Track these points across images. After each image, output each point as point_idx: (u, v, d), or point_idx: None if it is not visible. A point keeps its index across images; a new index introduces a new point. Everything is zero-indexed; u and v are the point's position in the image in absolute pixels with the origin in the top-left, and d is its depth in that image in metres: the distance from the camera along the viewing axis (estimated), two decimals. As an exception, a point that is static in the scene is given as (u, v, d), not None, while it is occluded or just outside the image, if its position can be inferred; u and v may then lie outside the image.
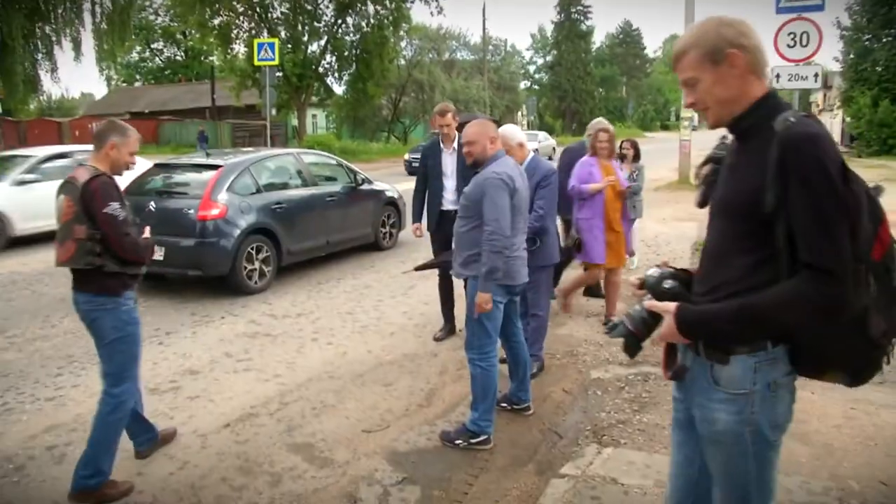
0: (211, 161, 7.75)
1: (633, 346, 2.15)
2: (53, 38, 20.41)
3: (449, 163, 5.63)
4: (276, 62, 22.52)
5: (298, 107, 31.58)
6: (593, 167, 5.82)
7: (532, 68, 76.26)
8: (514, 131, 4.74)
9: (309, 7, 30.75)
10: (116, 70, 46.81)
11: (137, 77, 52.45)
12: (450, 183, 5.64)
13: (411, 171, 21.19)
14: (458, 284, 5.85)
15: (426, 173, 5.74)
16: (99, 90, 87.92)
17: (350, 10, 31.13)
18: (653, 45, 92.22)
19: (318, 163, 9.36)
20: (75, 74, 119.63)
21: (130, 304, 3.36)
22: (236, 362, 5.18)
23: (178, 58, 51.27)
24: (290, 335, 5.85)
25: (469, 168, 5.52)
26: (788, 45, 10.34)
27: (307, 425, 4.12)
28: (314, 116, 42.45)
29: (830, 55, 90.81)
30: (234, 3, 28.84)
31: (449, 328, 5.84)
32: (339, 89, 35.74)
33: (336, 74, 33.74)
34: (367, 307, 6.73)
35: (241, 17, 29.68)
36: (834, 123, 58.31)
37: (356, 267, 8.60)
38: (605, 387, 4.84)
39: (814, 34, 10.20)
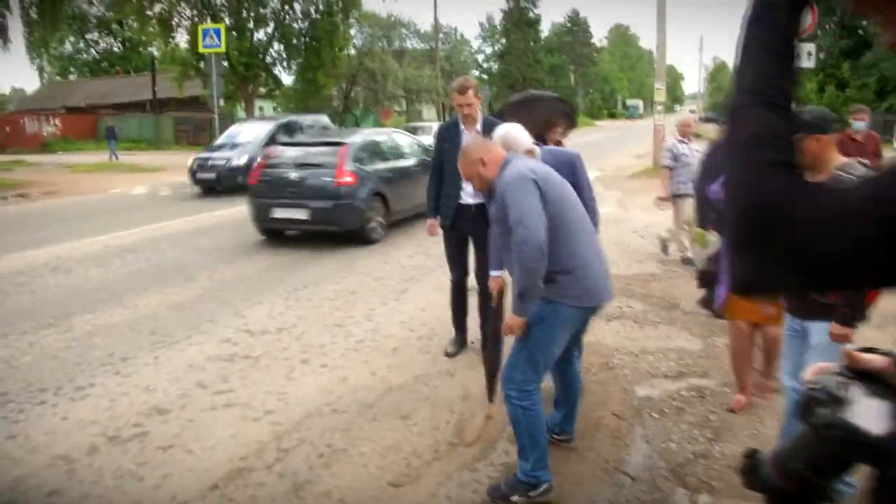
0: (335, 139, 9.72)
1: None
2: (-25, 24, 18.67)
3: None
4: (223, 49, 21.20)
5: (246, 98, 30.09)
6: None
7: (481, 57, 75.51)
8: (517, 136, 3.70)
9: (254, -8, 29.27)
10: (49, 61, 44.22)
11: (72, 70, 49.70)
12: None
13: (199, 181, 15.01)
14: (472, 290, 5.06)
15: (442, 159, 4.83)
16: (31, 85, 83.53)
17: (298, -4, 29.79)
18: (599, 35, 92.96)
19: (402, 139, 11.04)
20: (4, 68, 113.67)
21: None
22: (214, 395, 4.25)
23: (116, 49, 48.77)
24: (275, 356, 4.94)
25: None
26: (781, 22, 9.83)
27: (317, 480, 3.25)
28: (261, 109, 40.78)
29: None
30: (175, -13, 27.21)
31: (461, 341, 5.03)
32: (287, 79, 34.40)
33: (285, 63, 32.33)
34: (358, 317, 5.85)
35: (183, 4, 27.99)
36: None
37: (335, 269, 7.69)
38: (659, 408, 4.11)
39: (806, 12, 9.69)
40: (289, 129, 16.15)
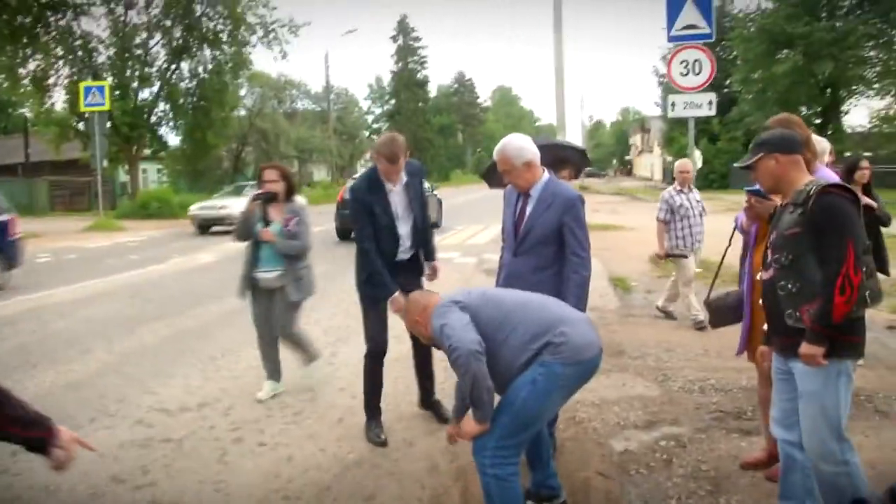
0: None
1: None
2: None
3: (399, 202, 4.24)
4: (107, 107, 20.09)
5: (130, 159, 28.57)
6: None
7: (370, 118, 76.07)
8: (519, 144, 3.55)
9: (139, 52, 28.13)
10: None
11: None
12: (404, 228, 4.26)
13: None
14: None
15: (374, 225, 4.15)
16: None
17: (185, 55, 28.87)
18: (484, 95, 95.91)
19: None
20: None
21: None
22: (134, 491, 3.53)
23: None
24: (201, 438, 4.25)
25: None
26: (682, 74, 10.25)
27: (282, 590, 2.67)
28: (144, 171, 38.83)
29: (651, 101, 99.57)
30: (52, 45, 25.65)
31: (380, 422, 4.30)
32: (174, 140, 33.04)
33: (171, 124, 31.04)
34: (290, 386, 5.23)
35: (61, 62, 26.45)
36: (655, 163, 63.50)
37: (250, 334, 6.96)
38: (643, 461, 3.80)
39: (706, 62, 10.16)
40: None
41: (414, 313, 3.03)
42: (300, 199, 5.04)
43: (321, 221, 21.09)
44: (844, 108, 34.10)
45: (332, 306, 8.26)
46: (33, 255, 14.66)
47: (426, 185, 7.89)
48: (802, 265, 2.60)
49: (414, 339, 4.44)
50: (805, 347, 2.56)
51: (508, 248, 3.77)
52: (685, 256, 6.97)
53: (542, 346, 2.72)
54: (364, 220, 4.14)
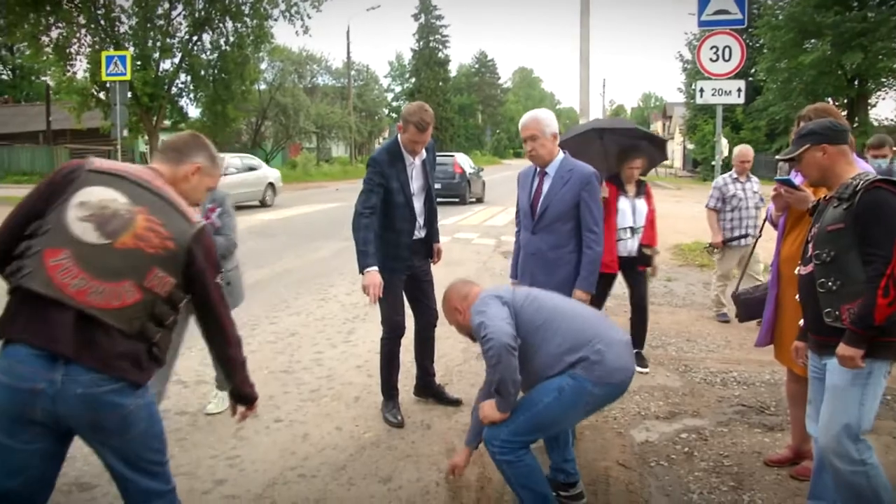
0: (449, 154, 19.86)
1: None
2: None
3: (416, 176, 4.16)
4: (128, 77, 20.06)
5: (149, 130, 28.56)
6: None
7: (390, 96, 75.66)
8: (545, 117, 3.71)
9: (161, 22, 28.03)
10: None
11: (-48, 98, 46.06)
12: (418, 204, 4.19)
13: None
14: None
15: (392, 199, 4.04)
16: None
17: (207, 27, 28.73)
18: (504, 76, 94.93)
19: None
20: None
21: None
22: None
23: (4, 76, 45.60)
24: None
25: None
26: (711, 60, 10.01)
27: (297, 570, 2.63)
28: (162, 142, 38.92)
29: (674, 87, 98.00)
30: (74, 14, 25.60)
31: (397, 403, 4.24)
32: (194, 112, 32.99)
33: (191, 95, 30.99)
34: (307, 362, 5.21)
35: (83, 31, 26.39)
36: (676, 151, 62.73)
37: (268, 308, 6.97)
38: (664, 453, 3.73)
39: (736, 48, 9.91)
40: None
41: (454, 301, 3.00)
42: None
43: (339, 198, 21.05)
44: (872, 100, 33.37)
45: (349, 283, 8.23)
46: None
47: (472, 165, 7.61)
48: (845, 263, 2.49)
49: (417, 324, 4.41)
50: (843, 349, 2.46)
51: (525, 228, 3.81)
52: (745, 237, 6.48)
53: (577, 361, 2.71)
54: (376, 190, 3.99)
